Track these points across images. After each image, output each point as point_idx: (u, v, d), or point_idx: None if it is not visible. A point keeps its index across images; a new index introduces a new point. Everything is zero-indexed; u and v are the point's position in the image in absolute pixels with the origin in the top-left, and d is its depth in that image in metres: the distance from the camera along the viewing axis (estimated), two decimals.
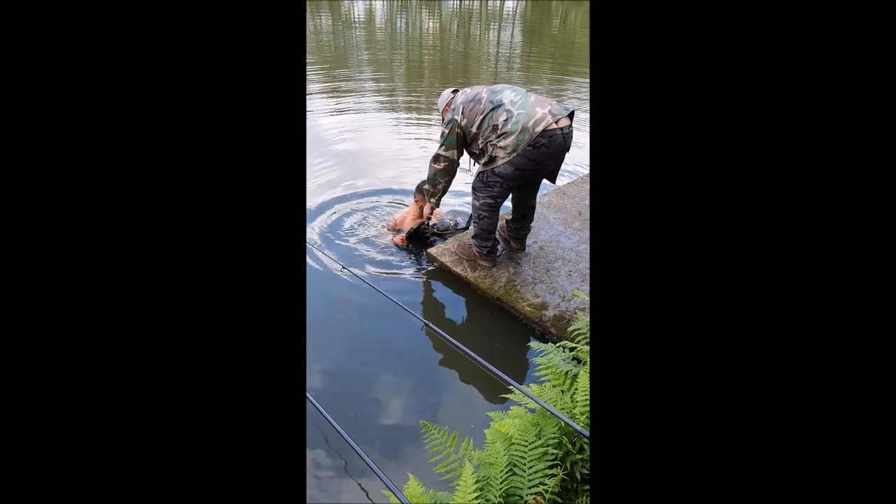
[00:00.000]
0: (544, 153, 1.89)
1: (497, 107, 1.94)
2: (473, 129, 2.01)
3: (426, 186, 2.28)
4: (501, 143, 1.92)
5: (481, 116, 1.97)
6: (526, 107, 1.89)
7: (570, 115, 1.92)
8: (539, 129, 1.84)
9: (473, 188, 2.12)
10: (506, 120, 1.90)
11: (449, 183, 2.24)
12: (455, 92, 2.18)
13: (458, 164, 2.17)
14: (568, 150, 1.97)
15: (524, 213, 2.26)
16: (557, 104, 1.93)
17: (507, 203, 2.21)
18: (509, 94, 1.95)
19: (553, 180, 2.13)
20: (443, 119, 2.19)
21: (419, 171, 3.58)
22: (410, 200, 3.23)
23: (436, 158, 2.16)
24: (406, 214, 2.84)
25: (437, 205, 2.36)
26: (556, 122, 1.85)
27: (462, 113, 2.02)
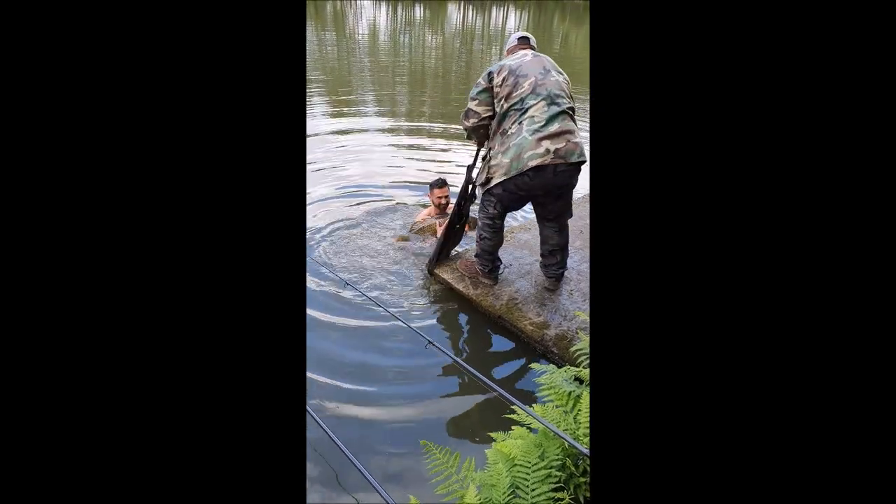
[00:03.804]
0: (528, 184, 1.84)
1: (522, 110, 1.81)
2: (497, 106, 1.89)
3: (467, 137, 2.14)
4: (494, 162, 1.89)
5: (508, 104, 1.84)
6: (536, 135, 1.78)
7: (579, 163, 1.83)
8: (532, 163, 1.77)
9: (479, 207, 2.12)
10: (512, 133, 1.83)
11: (481, 139, 2.08)
12: (523, 41, 2.05)
13: (488, 125, 1.98)
14: (561, 187, 1.90)
15: (550, 249, 2.16)
16: (573, 147, 1.80)
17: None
18: (540, 108, 1.80)
19: (552, 219, 2.07)
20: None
21: (422, 185, 3.61)
22: (413, 207, 3.26)
23: (466, 114, 2.00)
24: (428, 213, 2.95)
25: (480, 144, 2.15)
26: (551, 162, 1.77)
27: (503, 79, 1.86)
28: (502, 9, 27.25)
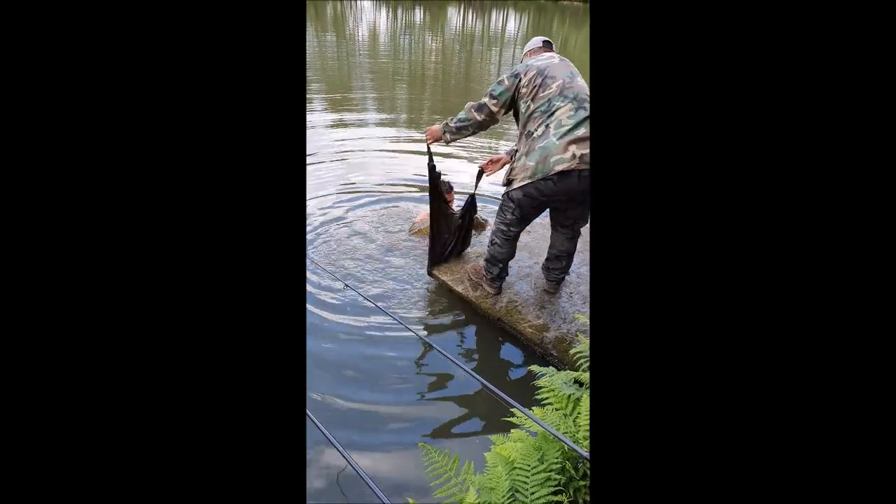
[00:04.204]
0: (552, 188, 1.79)
1: (549, 112, 1.77)
2: (521, 106, 1.85)
3: (452, 124, 2.01)
4: (518, 164, 1.84)
5: (534, 105, 1.80)
6: (564, 139, 1.73)
7: None
8: (558, 168, 1.73)
9: (497, 211, 2.07)
10: (539, 136, 1.77)
11: (474, 134, 2.06)
12: (547, 45, 2.03)
13: (495, 123, 1.98)
14: (584, 192, 1.82)
15: (557, 254, 2.13)
16: None
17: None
18: (567, 111, 1.75)
19: (568, 225, 2.02)
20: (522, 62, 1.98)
21: (421, 184, 3.61)
22: (412, 207, 3.26)
23: (479, 108, 1.93)
24: (427, 216, 2.92)
25: (449, 141, 2.10)
26: (577, 167, 1.73)
27: (530, 79, 1.82)
28: (502, 12, 27.35)
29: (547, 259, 2.21)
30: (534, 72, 1.82)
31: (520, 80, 1.85)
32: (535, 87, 1.81)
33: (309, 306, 2.24)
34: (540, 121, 1.79)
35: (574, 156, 1.72)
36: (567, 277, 2.32)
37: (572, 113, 1.75)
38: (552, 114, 1.77)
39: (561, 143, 1.73)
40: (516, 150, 1.91)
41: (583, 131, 1.74)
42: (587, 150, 1.72)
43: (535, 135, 1.79)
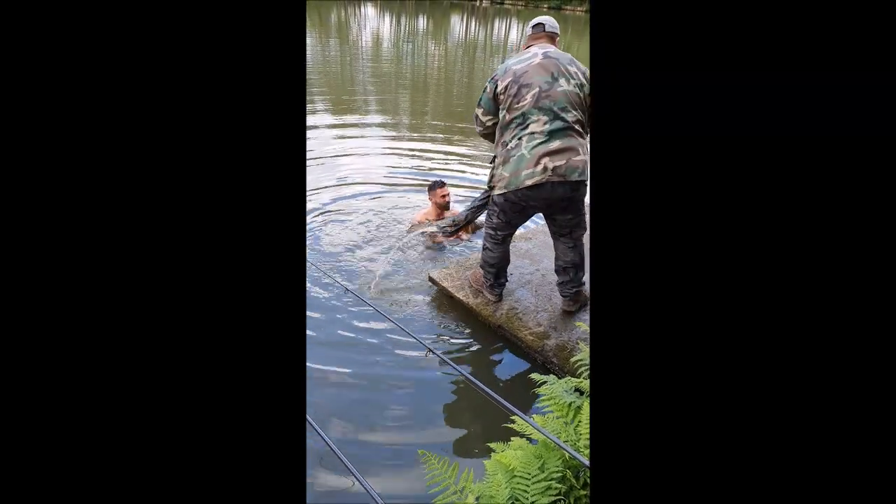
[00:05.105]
0: (526, 195, 1.79)
1: (522, 125, 1.75)
2: (501, 113, 1.83)
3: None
4: (497, 172, 1.87)
5: (510, 116, 1.78)
6: (536, 151, 1.72)
7: (577, 182, 1.77)
8: (528, 182, 1.74)
9: (486, 215, 2.09)
10: (513, 147, 1.77)
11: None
12: (537, 29, 1.91)
13: (494, 131, 1.93)
14: (563, 200, 1.81)
15: (563, 266, 2.03)
16: (575, 164, 1.73)
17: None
18: (538, 125, 1.73)
19: (565, 234, 1.97)
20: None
21: (419, 189, 3.62)
22: (411, 205, 3.27)
23: (474, 119, 1.99)
24: (425, 215, 2.96)
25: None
26: (548, 179, 1.72)
27: (506, 87, 1.78)
28: (505, 20, 27.53)
29: (555, 272, 2.10)
30: (510, 79, 1.78)
31: (497, 87, 1.82)
32: (510, 97, 1.77)
33: (307, 309, 2.24)
34: (514, 132, 1.78)
35: (546, 168, 1.71)
36: None
37: (547, 125, 1.72)
38: (526, 126, 1.75)
39: (532, 155, 1.72)
40: (495, 157, 1.92)
41: (557, 144, 1.71)
42: (561, 163, 1.71)
43: (509, 146, 1.80)
